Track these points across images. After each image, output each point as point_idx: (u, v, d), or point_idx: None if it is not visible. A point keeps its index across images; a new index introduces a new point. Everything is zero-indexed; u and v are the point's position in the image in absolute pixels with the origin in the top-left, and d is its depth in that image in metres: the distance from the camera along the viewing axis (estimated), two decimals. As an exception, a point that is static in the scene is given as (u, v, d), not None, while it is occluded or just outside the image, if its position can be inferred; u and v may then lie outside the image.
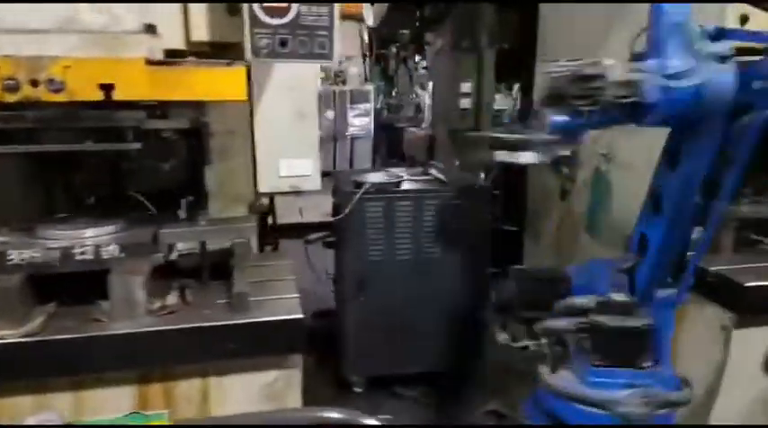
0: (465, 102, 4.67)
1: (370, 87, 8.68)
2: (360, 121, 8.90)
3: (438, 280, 2.97)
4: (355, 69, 9.60)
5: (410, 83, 8.27)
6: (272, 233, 3.45)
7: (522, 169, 4.08)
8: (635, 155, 2.63)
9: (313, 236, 3.70)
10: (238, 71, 1.68)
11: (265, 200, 3.19)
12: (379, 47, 8.80)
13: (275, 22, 1.74)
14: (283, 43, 1.75)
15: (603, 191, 3.05)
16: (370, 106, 8.62)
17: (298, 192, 2.73)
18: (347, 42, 11.00)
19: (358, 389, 3.07)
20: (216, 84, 1.67)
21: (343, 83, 9.63)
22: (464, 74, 4.65)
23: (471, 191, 2.98)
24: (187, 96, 1.66)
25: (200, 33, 1.88)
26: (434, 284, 2.97)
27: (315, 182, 2.54)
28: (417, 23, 5.16)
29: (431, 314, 2.99)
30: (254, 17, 1.73)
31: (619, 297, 1.52)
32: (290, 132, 2.45)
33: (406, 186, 2.95)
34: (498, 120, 4.81)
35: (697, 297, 2.13)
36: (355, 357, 3.03)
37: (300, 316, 1.72)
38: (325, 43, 1.77)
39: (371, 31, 8.26)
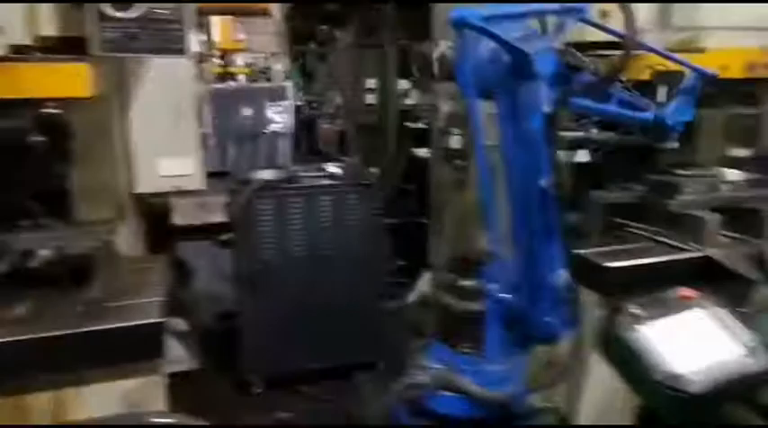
0: (371, 98, 4.71)
1: (288, 83, 8.58)
2: (280, 118, 8.78)
3: (335, 276, 2.97)
4: (280, 66, 9.48)
5: (329, 78, 8.24)
6: (171, 234, 3.35)
7: (426, 162, 4.14)
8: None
9: (225, 236, 3.63)
10: (79, 67, 1.61)
11: (161, 201, 3.11)
12: (298, 43, 8.73)
13: (123, 15, 1.68)
14: (132, 37, 1.69)
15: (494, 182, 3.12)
16: (289, 103, 8.51)
17: (182, 192, 2.67)
18: (268, 39, 10.85)
19: (257, 390, 3.03)
20: (56, 80, 1.59)
21: (269, 80, 9.49)
22: (369, 70, 4.68)
23: (365, 187, 2.99)
24: (22, 94, 1.57)
25: (48, 28, 1.79)
26: (331, 280, 2.97)
27: (197, 181, 2.49)
28: (321, 19, 5.14)
29: (328, 309, 2.99)
30: (99, 11, 1.66)
31: (468, 282, 1.57)
32: (168, 130, 2.38)
33: (298, 183, 2.92)
34: (411, 115, 4.86)
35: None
36: (253, 357, 2.99)
37: (158, 320, 1.67)
38: (177, 37, 1.72)
39: (289, 27, 8.18)
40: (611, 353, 1.37)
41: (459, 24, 1.21)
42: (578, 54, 1.50)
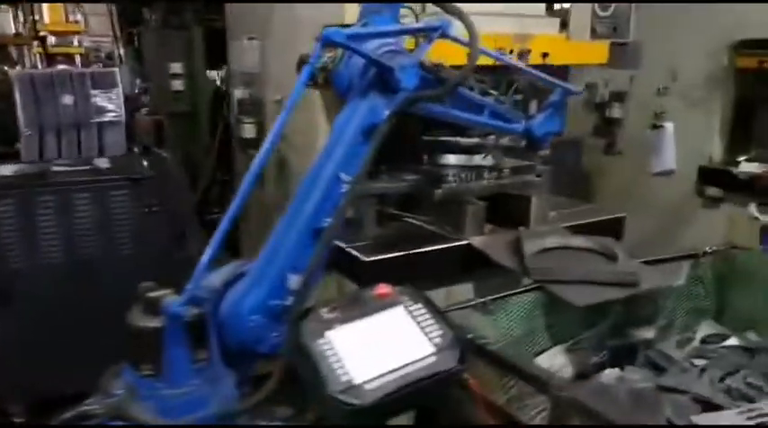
0: (177, 84, 4.38)
1: (116, 69, 7.86)
2: (111, 106, 8.04)
3: (103, 283, 2.66)
4: (117, 50, 8.71)
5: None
6: None
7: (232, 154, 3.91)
8: (309, 136, 2.57)
9: None
10: None
11: None
12: (131, 26, 8.10)
13: None
14: None
15: (287, 175, 2.98)
16: (118, 89, 7.81)
17: None
18: (104, 21, 9.93)
19: (18, 419, 2.65)
20: None
21: (113, 65, 8.70)
22: (175, 53, 4.35)
23: (134, 181, 2.70)
24: None
25: None
26: (99, 288, 2.65)
27: None
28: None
29: (100, 319, 2.65)
30: None
31: (158, 293, 1.39)
32: None
33: (49, 180, 2.57)
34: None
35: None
36: (10, 382, 2.59)
37: None
38: None
39: (119, 9, 7.54)
40: (298, 363, 1.25)
41: (327, 42, 1.29)
42: (440, 66, 1.53)
